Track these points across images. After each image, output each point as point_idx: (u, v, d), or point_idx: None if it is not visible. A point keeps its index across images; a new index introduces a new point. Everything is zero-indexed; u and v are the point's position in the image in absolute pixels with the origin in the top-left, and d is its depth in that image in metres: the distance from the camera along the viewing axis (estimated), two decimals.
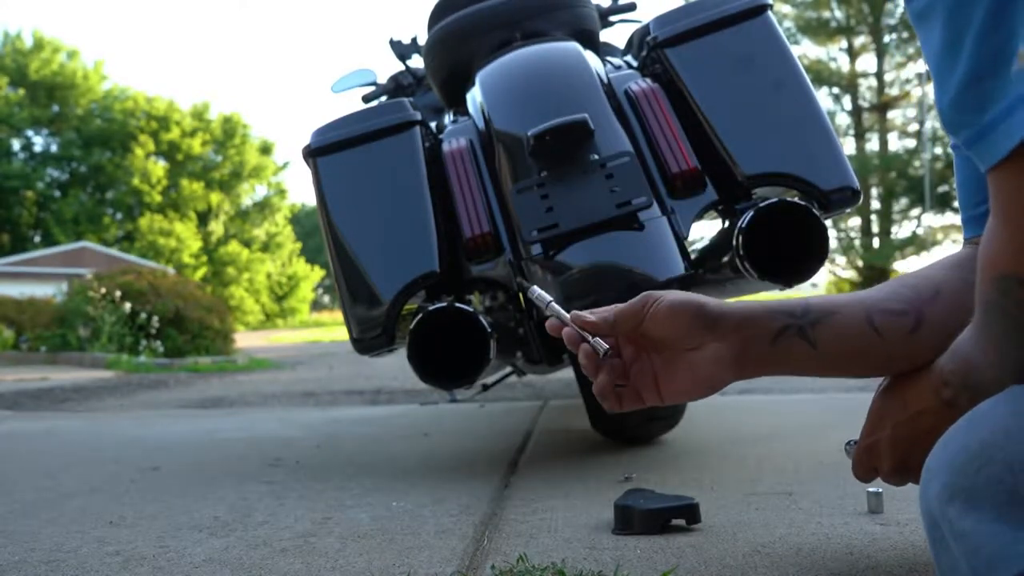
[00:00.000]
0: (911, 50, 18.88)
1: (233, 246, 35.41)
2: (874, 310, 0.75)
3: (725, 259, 1.35)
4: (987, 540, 0.52)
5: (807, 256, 1.30)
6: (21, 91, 31.76)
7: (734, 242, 1.29)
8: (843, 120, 19.92)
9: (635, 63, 1.61)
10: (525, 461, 1.67)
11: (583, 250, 1.29)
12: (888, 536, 1.01)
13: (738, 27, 1.43)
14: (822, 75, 19.29)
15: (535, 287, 0.85)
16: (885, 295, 0.77)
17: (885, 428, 0.79)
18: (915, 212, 18.37)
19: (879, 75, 19.51)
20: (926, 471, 0.61)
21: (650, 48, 1.48)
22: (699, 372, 0.76)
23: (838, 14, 19.32)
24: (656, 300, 0.77)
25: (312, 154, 1.47)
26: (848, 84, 19.66)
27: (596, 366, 0.78)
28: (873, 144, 19.81)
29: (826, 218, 1.35)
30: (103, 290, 8.76)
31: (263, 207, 38.54)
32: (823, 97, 19.44)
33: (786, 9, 19.12)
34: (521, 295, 1.44)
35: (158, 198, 33.65)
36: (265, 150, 37.69)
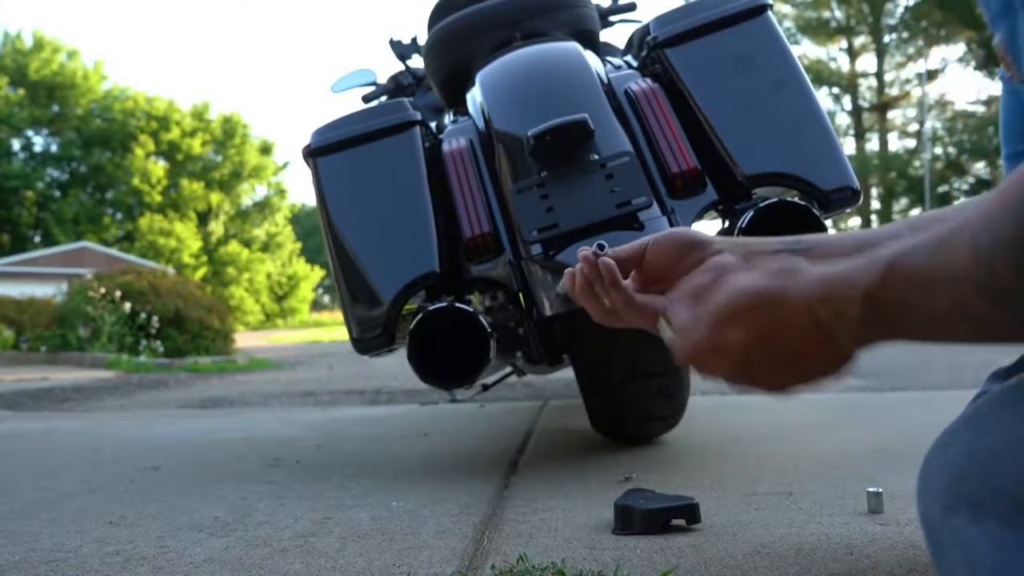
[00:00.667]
0: (911, 50, 18.88)
1: (233, 246, 35.43)
2: (862, 238, 0.69)
3: None
4: (990, 550, 0.52)
5: None
6: (21, 91, 31.77)
7: None
8: (843, 120, 19.95)
9: (635, 63, 1.61)
10: (525, 461, 1.67)
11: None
12: (888, 536, 1.01)
13: (738, 27, 1.43)
14: (822, 75, 19.32)
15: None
16: (881, 229, 0.71)
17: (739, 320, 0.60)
18: (915, 212, 18.41)
19: (879, 75, 19.54)
20: (925, 469, 0.61)
21: (650, 48, 1.48)
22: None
23: (838, 14, 19.35)
24: (654, 235, 0.72)
25: (312, 154, 1.47)
26: (848, 84, 19.68)
27: (591, 278, 0.71)
28: (873, 144, 19.86)
29: (826, 218, 1.35)
30: (103, 290, 8.77)
31: (263, 207, 38.55)
32: (823, 97, 19.43)
33: (786, 9, 19.15)
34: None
35: (158, 198, 33.67)
36: (265, 150, 37.71)
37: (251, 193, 38.30)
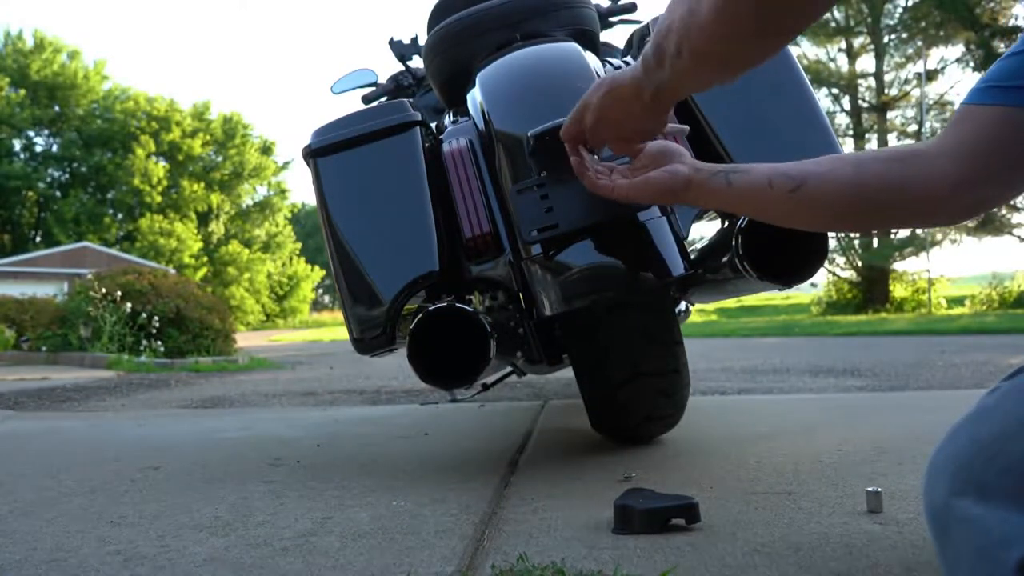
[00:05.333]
0: (910, 50, 18.89)
1: (233, 246, 35.47)
2: (775, 171, 0.95)
3: (724, 259, 1.36)
4: (996, 525, 0.53)
5: (806, 256, 1.31)
6: (22, 91, 31.80)
7: (733, 242, 1.29)
8: (843, 120, 19.94)
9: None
10: (525, 461, 1.67)
11: (583, 250, 1.30)
12: (887, 535, 1.01)
13: None
14: (822, 75, 19.32)
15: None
16: (792, 164, 0.95)
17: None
18: None
19: (878, 75, 19.54)
20: (931, 466, 0.62)
21: None
22: (660, 169, 1.01)
23: (837, 14, 19.34)
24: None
25: (312, 154, 1.47)
26: (847, 84, 19.68)
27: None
28: (872, 145, 19.85)
29: None
30: (104, 290, 8.76)
31: (263, 207, 38.59)
32: (823, 97, 19.44)
33: None
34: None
35: (159, 198, 33.71)
36: (265, 150, 37.76)
37: (251, 193, 38.35)
